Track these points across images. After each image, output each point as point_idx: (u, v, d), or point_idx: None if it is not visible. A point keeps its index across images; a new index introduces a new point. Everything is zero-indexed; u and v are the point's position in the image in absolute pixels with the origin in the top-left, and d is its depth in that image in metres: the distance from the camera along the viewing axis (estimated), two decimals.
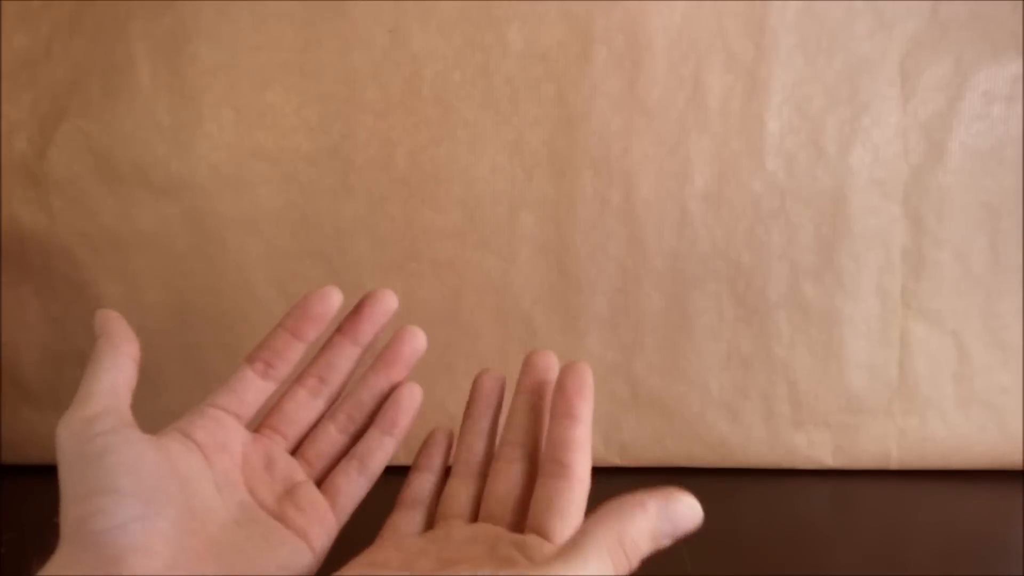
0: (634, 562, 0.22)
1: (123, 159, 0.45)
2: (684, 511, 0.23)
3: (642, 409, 0.47)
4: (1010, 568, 0.38)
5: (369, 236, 0.46)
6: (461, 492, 0.30)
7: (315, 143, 0.45)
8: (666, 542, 0.23)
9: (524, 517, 0.28)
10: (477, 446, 0.31)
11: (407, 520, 0.29)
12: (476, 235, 0.46)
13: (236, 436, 0.29)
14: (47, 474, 0.48)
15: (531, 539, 0.26)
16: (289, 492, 0.29)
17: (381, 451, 0.30)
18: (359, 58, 0.45)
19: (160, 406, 0.51)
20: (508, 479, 0.29)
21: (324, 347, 0.31)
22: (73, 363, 0.48)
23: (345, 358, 0.31)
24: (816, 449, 0.47)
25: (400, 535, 0.28)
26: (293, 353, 0.30)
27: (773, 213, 0.45)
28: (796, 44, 0.44)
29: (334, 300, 0.30)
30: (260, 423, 0.31)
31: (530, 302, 0.47)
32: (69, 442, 0.23)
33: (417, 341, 0.32)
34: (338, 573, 0.25)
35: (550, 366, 0.31)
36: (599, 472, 0.48)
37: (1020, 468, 0.47)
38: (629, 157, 0.45)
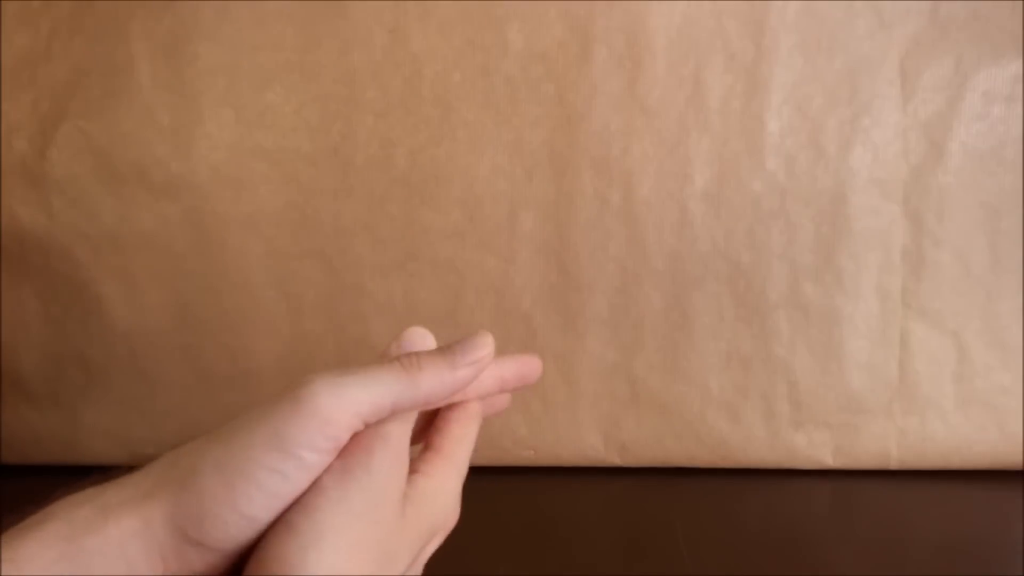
0: None
1: (123, 159, 0.45)
2: None
3: (642, 409, 0.47)
4: (1010, 568, 0.38)
5: (369, 236, 0.46)
6: None
7: (315, 143, 0.45)
8: None
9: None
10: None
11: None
12: (476, 235, 0.46)
13: None
14: (47, 474, 0.49)
15: None
16: None
17: None
18: (359, 58, 0.45)
19: (160, 406, 0.51)
20: None
21: None
22: (73, 363, 0.48)
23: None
24: (816, 449, 0.47)
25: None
26: None
27: (773, 213, 0.45)
28: (796, 44, 0.44)
29: None
30: None
31: (530, 302, 0.47)
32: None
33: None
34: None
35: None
36: (599, 472, 0.48)
37: (1020, 468, 0.47)
38: (629, 157, 0.45)
